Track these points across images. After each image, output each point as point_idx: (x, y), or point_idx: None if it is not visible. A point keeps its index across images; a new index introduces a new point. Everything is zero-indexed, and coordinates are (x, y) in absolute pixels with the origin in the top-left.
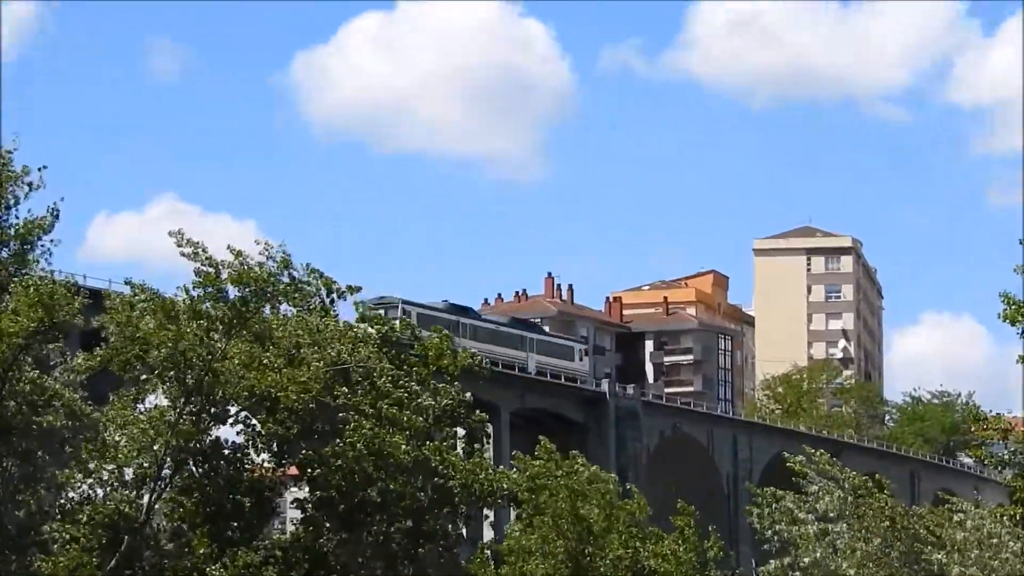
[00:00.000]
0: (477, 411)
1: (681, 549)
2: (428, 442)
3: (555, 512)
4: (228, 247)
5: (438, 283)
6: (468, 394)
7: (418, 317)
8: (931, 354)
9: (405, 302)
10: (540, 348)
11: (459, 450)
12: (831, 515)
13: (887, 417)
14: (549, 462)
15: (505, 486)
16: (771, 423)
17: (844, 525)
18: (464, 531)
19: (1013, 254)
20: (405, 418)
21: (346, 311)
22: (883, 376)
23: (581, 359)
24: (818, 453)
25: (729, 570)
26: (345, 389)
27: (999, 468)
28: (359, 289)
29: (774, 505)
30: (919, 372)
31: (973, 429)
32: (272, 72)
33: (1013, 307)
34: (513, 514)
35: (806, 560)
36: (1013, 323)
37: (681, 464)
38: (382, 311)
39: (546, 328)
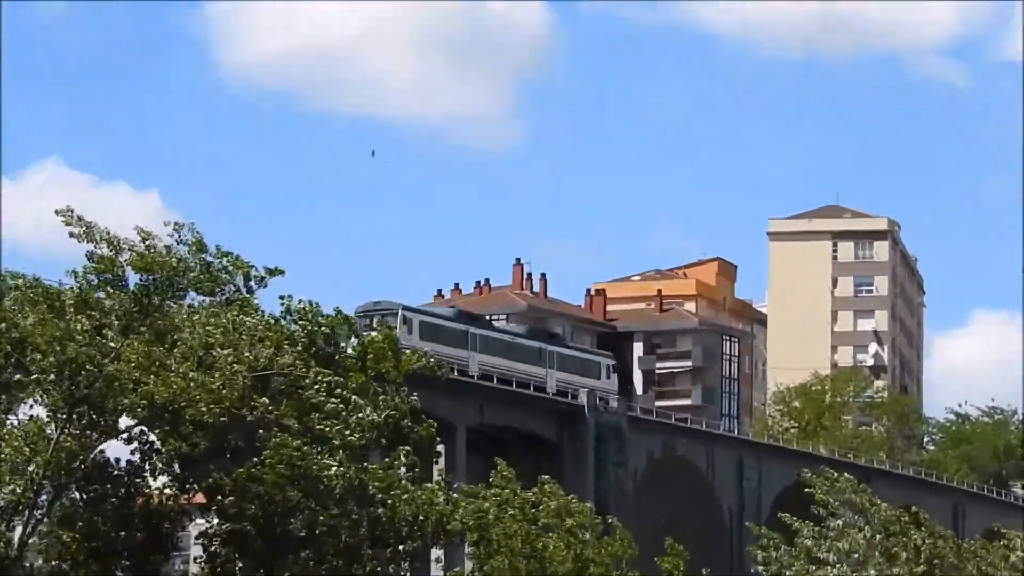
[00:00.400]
0: (425, 419)
1: None
2: (366, 464)
3: (511, 552)
4: (136, 228)
5: (382, 270)
6: (414, 397)
7: (420, 326)
8: (982, 362)
9: (406, 308)
10: (561, 363)
11: (403, 473)
12: (856, 555)
13: (927, 439)
14: (506, 490)
15: (459, 519)
16: (785, 444)
17: (873, 571)
18: (408, 574)
19: None
20: (338, 434)
21: (270, 304)
22: (923, 389)
23: (609, 376)
24: (843, 478)
25: None
26: (265, 399)
27: None
28: (281, 273)
29: (783, 548)
30: (966, 384)
31: None
32: (181, 13)
33: None
34: (467, 553)
35: None
36: None
37: (674, 493)
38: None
39: (522, 327)
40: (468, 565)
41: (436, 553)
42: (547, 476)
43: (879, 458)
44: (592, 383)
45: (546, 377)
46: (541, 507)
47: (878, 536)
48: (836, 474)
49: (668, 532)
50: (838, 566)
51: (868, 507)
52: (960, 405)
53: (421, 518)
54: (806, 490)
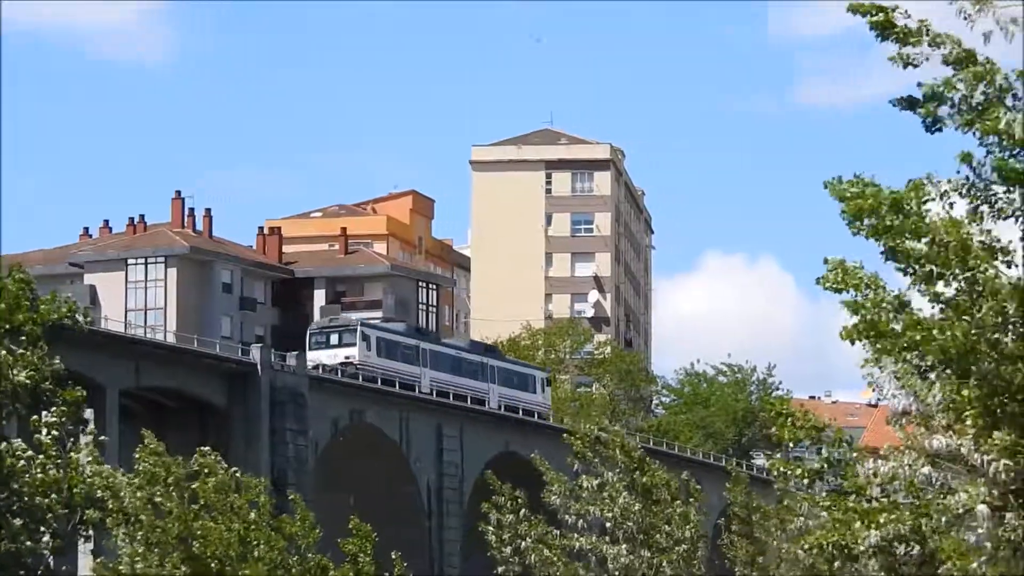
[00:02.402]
0: (72, 385)
1: None
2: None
3: (164, 535)
4: None
5: (24, 207)
6: (57, 360)
7: (378, 342)
8: (715, 312)
9: (364, 324)
10: (501, 378)
11: (46, 441)
12: (610, 523)
13: (656, 401)
14: (159, 467)
15: (106, 498)
16: (491, 409)
17: (624, 547)
18: (51, 560)
19: (827, 168)
20: None
21: None
22: (651, 343)
23: (543, 390)
24: (577, 436)
25: None
26: None
27: (807, 481)
28: None
29: (523, 512)
30: (697, 338)
31: (774, 427)
32: None
33: (837, 272)
34: (117, 541)
35: None
36: (838, 291)
37: (364, 466)
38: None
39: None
40: (118, 549)
41: (88, 535)
42: (207, 448)
43: (602, 423)
44: (529, 397)
45: (489, 392)
46: (199, 483)
47: (637, 506)
48: (573, 435)
49: (357, 511)
50: (587, 535)
51: (616, 453)
52: (692, 364)
53: (58, 495)
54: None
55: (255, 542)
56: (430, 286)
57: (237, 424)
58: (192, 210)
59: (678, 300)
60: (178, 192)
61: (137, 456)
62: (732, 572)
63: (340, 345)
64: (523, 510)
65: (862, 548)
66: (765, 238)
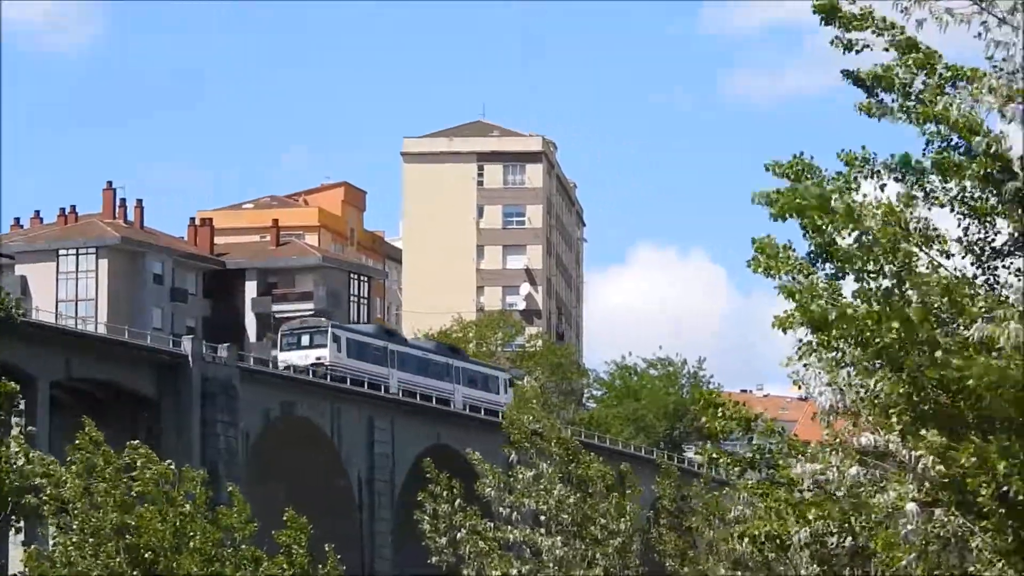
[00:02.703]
0: (2, 377)
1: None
2: None
3: (97, 527)
4: None
5: None
6: None
7: (347, 343)
8: (647, 305)
9: (335, 326)
10: (466, 379)
11: None
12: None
13: (587, 394)
14: (99, 457)
15: (42, 484)
16: (423, 401)
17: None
18: None
19: (757, 161)
20: None
21: None
22: (583, 336)
23: (506, 391)
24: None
25: None
26: None
27: (738, 470)
28: None
29: (458, 501)
30: (627, 331)
31: (704, 419)
32: None
33: (766, 255)
34: (52, 530)
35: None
36: (769, 274)
37: (295, 459)
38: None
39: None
40: (52, 539)
41: (19, 526)
42: (138, 441)
43: (539, 415)
44: (493, 397)
45: (454, 392)
46: (136, 474)
47: (572, 498)
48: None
49: (288, 503)
50: (521, 527)
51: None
52: (624, 356)
53: None
54: (468, 456)
55: (191, 533)
56: (362, 278)
57: (168, 416)
58: (124, 201)
59: (610, 293)
60: (110, 183)
61: (77, 442)
62: (663, 565)
63: (311, 346)
64: (458, 500)
65: (794, 540)
66: (696, 231)
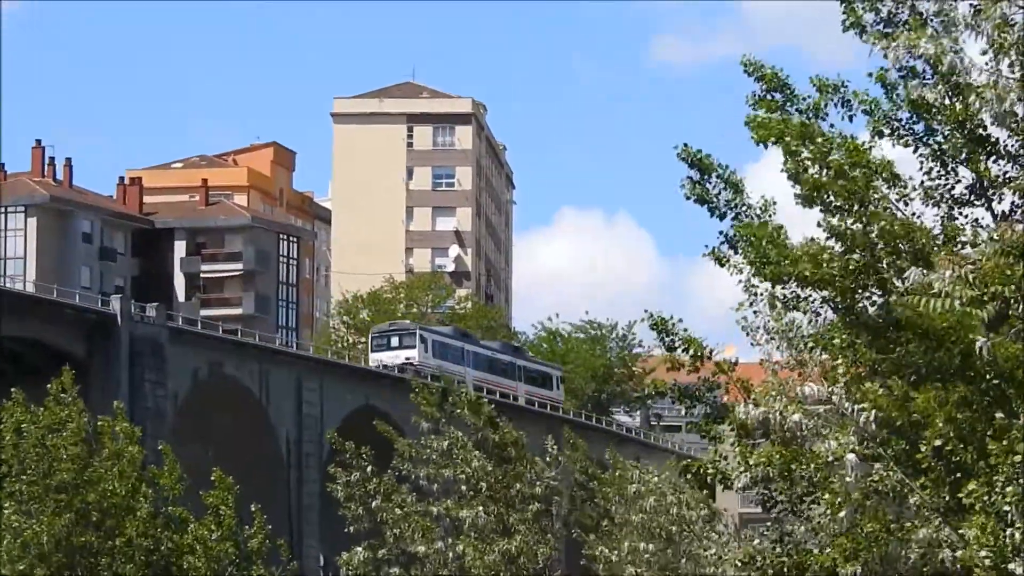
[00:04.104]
0: None
1: (214, 537)
2: None
3: (47, 486)
4: None
5: None
6: None
7: (432, 344)
8: (574, 268)
9: (422, 328)
10: (527, 376)
11: None
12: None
13: None
14: (28, 417)
15: None
16: (352, 362)
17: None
18: None
19: (683, 128)
20: None
21: None
22: (511, 299)
23: (558, 387)
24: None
25: (280, 566)
26: None
27: (683, 408)
28: None
29: (370, 469)
30: (558, 293)
31: (632, 380)
32: None
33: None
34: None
35: (423, 549)
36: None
37: (223, 419)
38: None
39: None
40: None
41: None
42: (68, 396)
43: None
44: (548, 393)
45: (517, 389)
46: (68, 434)
47: (489, 465)
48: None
49: (216, 464)
50: (441, 500)
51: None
52: (551, 318)
53: None
54: (376, 425)
55: (141, 495)
56: (291, 239)
57: (96, 375)
58: (52, 160)
59: (538, 255)
60: (38, 141)
61: (49, 397)
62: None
63: (401, 347)
64: (370, 467)
65: (738, 484)
66: (621, 195)
